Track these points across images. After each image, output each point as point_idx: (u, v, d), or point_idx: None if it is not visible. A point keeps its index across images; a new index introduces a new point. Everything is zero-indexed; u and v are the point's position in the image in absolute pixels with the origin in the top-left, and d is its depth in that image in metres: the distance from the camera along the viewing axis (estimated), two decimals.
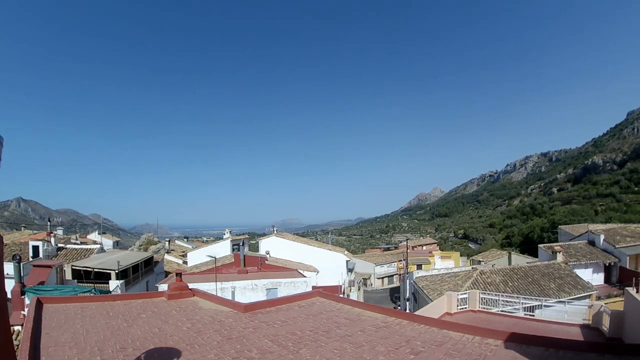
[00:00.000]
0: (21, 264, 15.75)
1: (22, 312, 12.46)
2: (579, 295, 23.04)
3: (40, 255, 27.07)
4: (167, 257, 44.15)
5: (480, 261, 42.81)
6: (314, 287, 22.51)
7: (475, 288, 20.92)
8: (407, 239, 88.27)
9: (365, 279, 57.58)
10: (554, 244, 34.69)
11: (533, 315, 15.37)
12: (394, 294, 46.93)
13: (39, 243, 27.72)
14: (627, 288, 12.45)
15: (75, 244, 36.17)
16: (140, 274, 30.44)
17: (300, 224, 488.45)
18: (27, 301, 12.78)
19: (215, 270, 24.60)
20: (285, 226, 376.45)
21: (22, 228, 47.06)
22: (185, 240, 74.34)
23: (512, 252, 46.16)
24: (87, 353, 4.96)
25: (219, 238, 46.88)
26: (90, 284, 23.74)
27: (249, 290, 23.11)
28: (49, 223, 45.01)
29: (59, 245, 30.99)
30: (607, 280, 30.87)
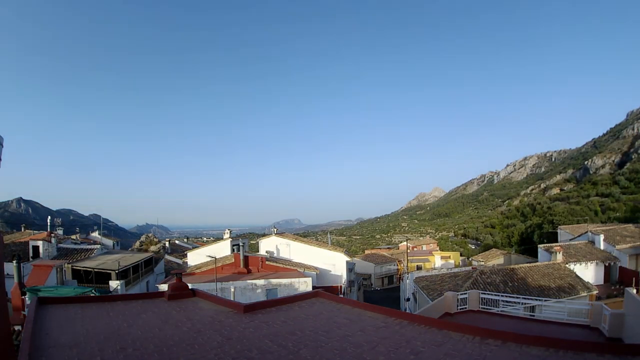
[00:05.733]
0: (21, 264, 15.77)
1: (22, 312, 12.47)
2: (578, 296, 23.03)
3: (41, 255, 27.08)
4: (167, 257, 44.17)
5: (480, 261, 42.81)
6: (314, 287, 22.50)
7: (475, 288, 20.91)
8: (407, 239, 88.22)
9: (365, 279, 57.58)
10: (553, 244, 34.69)
11: (533, 316, 15.36)
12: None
13: (40, 243, 27.73)
14: (627, 288, 12.46)
15: (75, 244, 36.16)
16: (140, 274, 30.42)
17: (301, 224, 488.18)
18: (27, 301, 12.79)
19: (215, 270, 24.59)
20: (286, 226, 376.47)
21: (22, 228, 46.97)
22: (185, 240, 74.30)
23: (512, 252, 46.18)
24: (87, 353, 4.96)
25: (219, 238, 46.83)
26: (91, 285, 23.78)
27: (249, 290, 23.09)
28: (49, 223, 45.00)
29: (59, 245, 30.99)
30: (607, 280, 30.86)
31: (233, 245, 32.67)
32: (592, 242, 33.72)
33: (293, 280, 23.87)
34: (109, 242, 51.66)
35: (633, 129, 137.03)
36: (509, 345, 5.67)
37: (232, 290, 22.28)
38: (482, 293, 16.77)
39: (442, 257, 47.34)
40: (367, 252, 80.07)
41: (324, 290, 12.16)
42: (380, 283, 61.81)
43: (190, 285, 10.11)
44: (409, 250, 52.65)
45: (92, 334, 5.91)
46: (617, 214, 72.84)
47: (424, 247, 75.36)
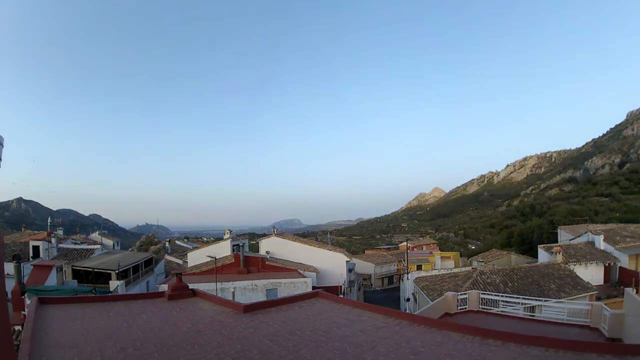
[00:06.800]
0: (21, 264, 15.78)
1: (22, 312, 12.47)
2: (578, 296, 23.02)
3: (41, 255, 27.09)
4: (167, 257, 44.18)
5: (480, 261, 42.78)
6: (314, 288, 22.51)
7: (475, 288, 20.91)
8: (407, 240, 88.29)
9: (365, 279, 57.61)
10: (553, 245, 34.66)
11: (533, 316, 15.36)
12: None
13: (40, 243, 27.75)
14: (626, 288, 12.45)
15: (75, 244, 36.17)
16: (141, 274, 30.44)
17: (301, 224, 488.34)
18: (27, 301, 12.79)
19: (215, 270, 24.59)
20: (286, 226, 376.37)
21: (23, 228, 47.07)
22: (185, 240, 74.28)
23: (512, 253, 46.14)
24: (87, 353, 4.96)
25: (219, 238, 46.85)
26: (91, 284, 23.79)
27: (249, 290, 23.10)
28: (49, 223, 45.04)
29: (59, 245, 31.00)
30: (607, 280, 30.85)
31: (233, 246, 32.67)
32: (592, 243, 33.69)
33: (293, 280, 23.88)
34: (109, 242, 51.74)
35: (633, 129, 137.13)
36: (509, 345, 5.68)
37: (232, 290, 22.29)
38: (482, 293, 16.78)
39: (442, 258, 47.28)
40: (367, 252, 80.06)
41: (324, 290, 12.17)
42: (380, 283, 61.82)
43: (190, 286, 10.11)
44: (409, 251, 52.65)
45: (92, 334, 5.92)
46: (617, 214, 72.80)
47: (424, 248, 75.27)
